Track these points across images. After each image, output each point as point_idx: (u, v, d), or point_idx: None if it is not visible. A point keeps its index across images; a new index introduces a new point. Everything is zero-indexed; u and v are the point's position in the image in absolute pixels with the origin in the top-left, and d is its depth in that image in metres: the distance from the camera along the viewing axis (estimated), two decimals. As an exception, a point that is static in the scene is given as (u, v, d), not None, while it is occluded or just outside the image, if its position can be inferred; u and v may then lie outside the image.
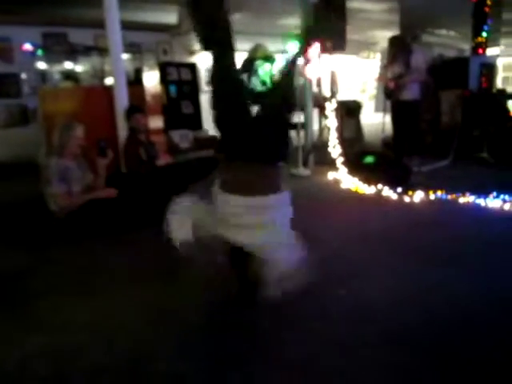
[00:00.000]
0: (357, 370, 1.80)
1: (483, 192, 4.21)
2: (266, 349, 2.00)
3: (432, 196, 4.39)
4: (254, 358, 1.91)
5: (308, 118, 6.45)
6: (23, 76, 8.53)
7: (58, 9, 8.84)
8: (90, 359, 1.95)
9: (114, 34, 4.14)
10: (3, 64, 8.31)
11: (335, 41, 5.83)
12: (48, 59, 7.81)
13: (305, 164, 6.15)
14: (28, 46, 7.94)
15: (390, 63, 5.64)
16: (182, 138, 8.63)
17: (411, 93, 5.50)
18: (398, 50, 5.56)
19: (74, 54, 6.54)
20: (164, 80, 8.56)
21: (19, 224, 4.17)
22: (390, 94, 5.64)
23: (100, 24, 5.72)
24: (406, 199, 4.38)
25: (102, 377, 1.84)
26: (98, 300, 2.52)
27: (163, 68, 8.62)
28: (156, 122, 5.99)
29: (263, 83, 6.46)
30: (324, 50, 5.89)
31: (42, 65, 7.76)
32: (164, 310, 2.36)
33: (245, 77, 7.79)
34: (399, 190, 4.55)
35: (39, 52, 7.64)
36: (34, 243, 3.59)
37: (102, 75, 7.18)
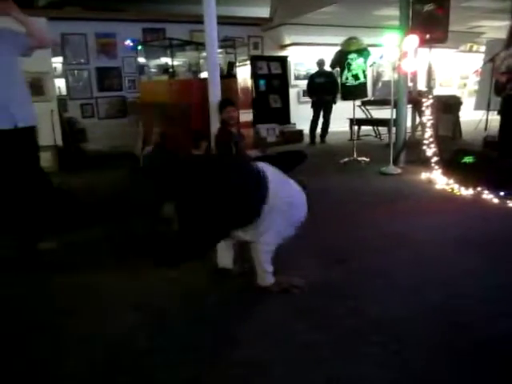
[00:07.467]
0: (444, 376, 1.71)
1: None
2: (345, 349, 1.93)
3: (541, 202, 4.00)
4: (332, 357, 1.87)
5: (400, 114, 6.16)
6: (125, 70, 9.12)
7: (158, 5, 9.36)
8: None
9: (211, 29, 4.22)
10: (108, 59, 8.95)
11: (436, 33, 5.49)
12: (147, 54, 8.27)
13: (395, 162, 5.90)
14: (129, 42, 8.46)
15: (506, 49, 5.09)
16: (269, 131, 8.70)
17: None
18: None
19: (171, 48, 6.85)
20: (254, 74, 8.68)
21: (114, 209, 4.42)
22: (501, 89, 5.15)
23: (195, 19, 5.92)
24: (510, 204, 4.03)
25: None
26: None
27: (253, 62, 8.73)
28: (245, 116, 6.10)
29: (355, 77, 6.30)
30: (422, 42, 5.58)
31: (141, 59, 8.23)
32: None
33: (336, 70, 7.62)
34: (502, 193, 4.19)
35: (139, 47, 8.10)
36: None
37: (196, 69, 7.43)
